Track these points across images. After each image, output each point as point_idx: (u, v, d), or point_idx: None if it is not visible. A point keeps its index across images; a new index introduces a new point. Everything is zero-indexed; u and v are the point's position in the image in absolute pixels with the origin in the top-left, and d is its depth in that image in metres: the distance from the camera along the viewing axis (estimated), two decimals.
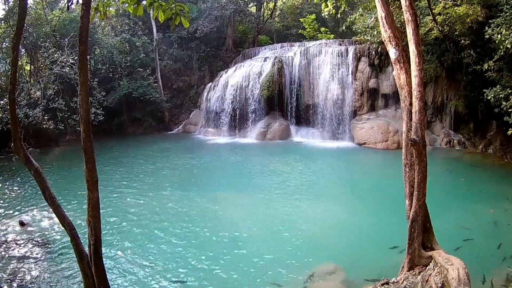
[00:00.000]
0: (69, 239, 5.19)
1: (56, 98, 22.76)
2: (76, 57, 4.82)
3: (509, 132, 12.64)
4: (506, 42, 11.80)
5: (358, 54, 22.89)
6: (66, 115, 22.69)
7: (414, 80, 5.85)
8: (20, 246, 8.95)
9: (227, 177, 16.05)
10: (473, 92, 17.55)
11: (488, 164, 16.23)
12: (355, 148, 21.03)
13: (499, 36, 12.09)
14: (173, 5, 4.96)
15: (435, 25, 16.39)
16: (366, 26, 19.80)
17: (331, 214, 10.95)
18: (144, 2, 5.23)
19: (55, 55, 23.04)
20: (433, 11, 15.65)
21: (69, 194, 12.79)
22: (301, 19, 32.73)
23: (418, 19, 6.14)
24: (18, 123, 6.36)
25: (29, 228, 9.99)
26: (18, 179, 15.33)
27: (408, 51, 6.06)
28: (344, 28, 22.44)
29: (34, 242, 9.09)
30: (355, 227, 9.99)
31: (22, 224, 10.09)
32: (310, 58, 24.37)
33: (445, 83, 20.26)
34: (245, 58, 28.79)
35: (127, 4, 5.15)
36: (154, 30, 29.14)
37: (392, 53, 6.26)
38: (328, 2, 9.54)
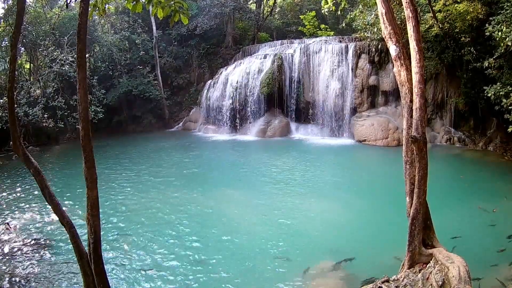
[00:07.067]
0: (68, 237, 5.18)
1: (56, 96, 22.75)
2: (76, 55, 4.82)
3: (509, 130, 12.59)
4: (507, 40, 11.74)
5: (358, 51, 22.82)
6: (65, 113, 22.67)
7: (415, 77, 5.82)
8: (19, 245, 8.94)
9: (227, 174, 16.05)
10: (474, 89, 17.50)
11: (488, 162, 16.20)
12: (355, 145, 21.00)
13: (499, 33, 12.03)
14: (172, 2, 4.93)
15: (435, 22, 16.32)
16: (366, 23, 19.71)
17: (331, 211, 10.95)
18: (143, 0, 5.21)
19: (55, 53, 23.02)
20: (433, 8, 15.58)
21: (68, 192, 12.78)
22: (301, 16, 32.65)
23: (418, 16, 6.11)
24: (17, 122, 6.35)
25: (29, 227, 9.98)
26: (18, 177, 15.32)
27: (409, 48, 6.03)
28: (344, 25, 22.34)
29: (33, 241, 9.07)
30: (355, 225, 9.99)
31: (8, 228, 9.72)
32: (310, 55, 24.30)
33: (445, 80, 20.20)
34: (245, 55, 28.73)
35: (126, 1, 5.13)
36: (154, 27, 29.08)
37: (393, 50, 6.23)
38: None
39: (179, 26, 29.55)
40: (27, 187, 13.70)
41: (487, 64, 13.78)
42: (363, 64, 22.62)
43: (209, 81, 27.88)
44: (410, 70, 5.99)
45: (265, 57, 25.41)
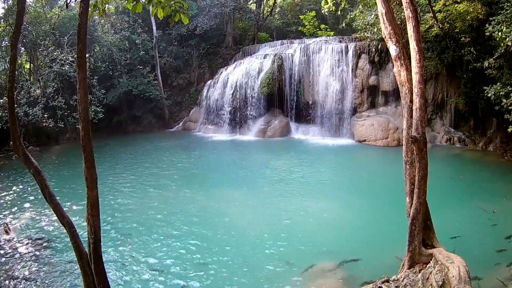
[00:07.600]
0: (68, 237, 5.18)
1: (56, 96, 22.75)
2: (76, 55, 4.83)
3: (509, 130, 12.59)
4: (507, 40, 11.74)
5: (358, 51, 22.82)
6: (65, 113, 22.67)
7: (415, 77, 5.82)
8: (19, 245, 8.94)
9: (227, 174, 16.04)
10: (474, 90, 17.50)
11: (488, 162, 16.19)
12: (355, 145, 21.00)
13: (499, 33, 12.03)
14: (172, 2, 4.93)
15: (435, 22, 16.33)
16: (366, 23, 19.71)
17: (331, 211, 10.94)
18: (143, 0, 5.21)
19: (55, 53, 23.03)
20: (433, 8, 15.58)
21: (68, 192, 12.78)
22: (301, 16, 32.63)
23: (418, 16, 6.11)
24: (17, 122, 6.35)
25: (28, 227, 9.98)
26: (18, 177, 15.32)
27: (409, 48, 6.03)
28: (344, 25, 22.35)
29: (33, 241, 9.07)
30: (355, 225, 9.99)
31: (7, 230, 9.54)
32: (310, 55, 24.29)
33: (445, 80, 20.20)
34: (245, 55, 28.73)
35: (126, 1, 5.13)
36: (154, 27, 29.08)
37: (393, 50, 6.23)
38: None
39: (179, 26, 29.55)
40: (27, 187, 13.70)
41: (487, 64, 13.78)
42: (363, 64, 22.62)
43: (209, 81, 27.88)
44: (410, 70, 5.99)
45: (265, 57, 25.40)
